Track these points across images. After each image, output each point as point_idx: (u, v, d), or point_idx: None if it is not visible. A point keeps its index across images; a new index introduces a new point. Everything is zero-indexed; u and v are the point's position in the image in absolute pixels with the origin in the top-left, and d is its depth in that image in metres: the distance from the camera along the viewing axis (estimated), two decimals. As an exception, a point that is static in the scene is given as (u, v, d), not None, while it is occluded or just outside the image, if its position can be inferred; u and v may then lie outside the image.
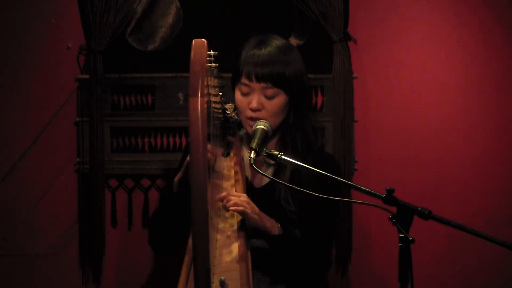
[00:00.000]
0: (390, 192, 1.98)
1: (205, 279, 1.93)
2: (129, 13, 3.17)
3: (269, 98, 2.51)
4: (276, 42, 2.55)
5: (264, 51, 2.51)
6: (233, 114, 2.49)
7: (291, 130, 2.58)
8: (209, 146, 2.11)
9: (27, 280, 3.23)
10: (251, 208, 2.36)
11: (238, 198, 2.36)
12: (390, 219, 1.95)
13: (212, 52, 2.10)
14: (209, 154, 2.24)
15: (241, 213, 2.36)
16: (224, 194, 2.37)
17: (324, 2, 3.15)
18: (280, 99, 2.52)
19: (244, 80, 2.51)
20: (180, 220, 2.43)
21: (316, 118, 3.15)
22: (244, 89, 2.52)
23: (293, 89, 2.53)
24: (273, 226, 2.44)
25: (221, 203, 2.37)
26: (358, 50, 3.22)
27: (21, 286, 3.24)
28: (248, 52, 2.52)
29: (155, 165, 3.22)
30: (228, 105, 2.46)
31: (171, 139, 3.22)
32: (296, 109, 2.57)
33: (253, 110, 2.51)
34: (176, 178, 2.47)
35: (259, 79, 2.49)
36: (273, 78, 2.49)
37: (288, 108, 2.56)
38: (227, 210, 2.36)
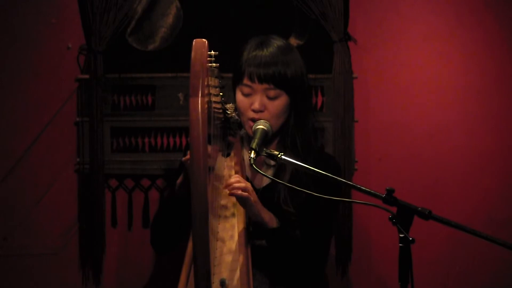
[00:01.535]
0: (390, 192, 1.98)
1: (205, 279, 1.93)
2: (129, 13, 3.17)
3: (271, 99, 2.51)
4: (277, 42, 2.55)
5: (266, 52, 2.51)
6: (233, 114, 2.49)
7: (292, 131, 2.58)
8: (208, 147, 2.10)
9: (27, 280, 3.23)
10: (254, 197, 2.37)
11: (245, 184, 2.35)
12: (390, 219, 1.95)
13: (212, 52, 2.10)
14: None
15: (244, 199, 2.35)
16: (231, 180, 2.36)
17: (324, 2, 3.15)
18: (282, 100, 2.52)
19: (246, 81, 2.51)
20: (181, 222, 2.44)
21: (316, 118, 3.15)
22: (246, 90, 2.52)
23: (295, 90, 2.53)
24: (271, 219, 2.44)
25: (226, 190, 2.36)
26: (358, 50, 3.22)
27: (21, 286, 3.24)
28: (250, 53, 2.52)
29: (155, 165, 3.22)
30: (228, 105, 2.46)
31: (171, 139, 3.22)
32: (297, 110, 2.57)
33: (255, 111, 2.50)
34: (178, 181, 2.46)
35: (261, 80, 2.49)
36: (276, 79, 2.49)
37: (289, 109, 2.56)
38: (231, 194, 2.34)
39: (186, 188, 2.40)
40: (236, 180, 2.35)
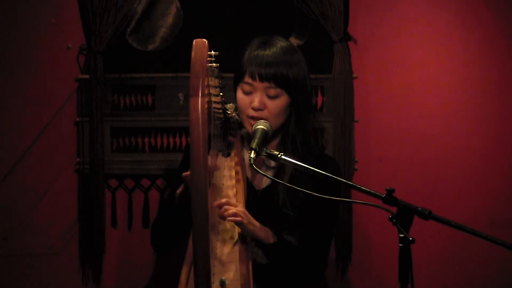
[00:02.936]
0: (390, 192, 1.98)
1: (205, 279, 1.93)
2: (129, 13, 3.18)
3: (272, 98, 2.51)
4: (281, 43, 2.54)
5: (269, 52, 2.51)
6: (234, 114, 2.49)
7: (292, 132, 2.57)
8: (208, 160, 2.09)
9: (27, 280, 3.23)
10: (247, 218, 2.37)
11: (236, 208, 2.35)
12: (390, 219, 1.95)
13: (213, 52, 2.10)
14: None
15: (237, 223, 2.36)
16: (223, 201, 2.36)
17: (324, 2, 3.15)
18: (282, 100, 2.52)
19: (247, 79, 2.51)
20: (181, 225, 2.44)
21: (316, 118, 3.15)
22: (247, 88, 2.52)
23: (296, 91, 2.53)
24: (267, 236, 2.44)
25: (218, 210, 2.36)
26: (358, 50, 3.22)
27: (21, 286, 3.24)
28: (252, 52, 2.52)
29: (155, 165, 3.22)
30: (229, 105, 2.46)
31: (171, 139, 3.22)
32: (297, 111, 2.56)
33: (255, 109, 2.50)
34: (178, 191, 2.46)
35: (262, 78, 2.49)
36: (277, 78, 2.49)
37: (290, 110, 2.55)
38: (224, 219, 2.35)
39: (186, 198, 2.40)
40: (225, 204, 2.34)
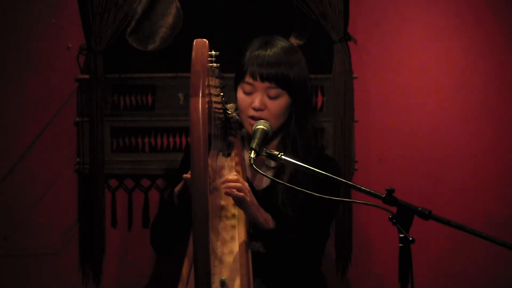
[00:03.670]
0: (390, 192, 1.98)
1: (205, 279, 1.93)
2: (129, 13, 3.18)
3: (272, 98, 2.51)
4: (282, 43, 2.54)
5: (270, 52, 2.51)
6: (234, 114, 2.49)
7: (292, 132, 2.57)
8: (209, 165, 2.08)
9: (27, 280, 3.23)
10: (250, 197, 2.36)
11: (243, 184, 2.34)
12: (390, 219, 1.95)
13: (213, 52, 2.10)
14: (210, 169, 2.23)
15: (240, 200, 2.34)
16: (229, 177, 2.34)
17: (324, 2, 3.15)
18: (283, 100, 2.52)
19: (248, 79, 2.50)
20: (181, 225, 2.44)
21: (316, 118, 3.15)
22: (247, 88, 2.52)
23: (296, 91, 2.53)
24: (267, 221, 2.43)
25: (223, 185, 2.34)
26: (358, 50, 3.22)
27: (21, 286, 3.24)
28: (253, 52, 2.52)
29: (155, 165, 3.23)
30: (229, 105, 2.46)
31: (171, 139, 3.22)
32: (298, 112, 2.56)
33: (255, 109, 2.50)
34: (176, 189, 2.46)
35: (263, 78, 2.49)
36: (278, 79, 2.49)
37: (290, 110, 2.55)
38: (227, 192, 2.33)
39: (184, 197, 2.40)
40: (233, 178, 2.34)
